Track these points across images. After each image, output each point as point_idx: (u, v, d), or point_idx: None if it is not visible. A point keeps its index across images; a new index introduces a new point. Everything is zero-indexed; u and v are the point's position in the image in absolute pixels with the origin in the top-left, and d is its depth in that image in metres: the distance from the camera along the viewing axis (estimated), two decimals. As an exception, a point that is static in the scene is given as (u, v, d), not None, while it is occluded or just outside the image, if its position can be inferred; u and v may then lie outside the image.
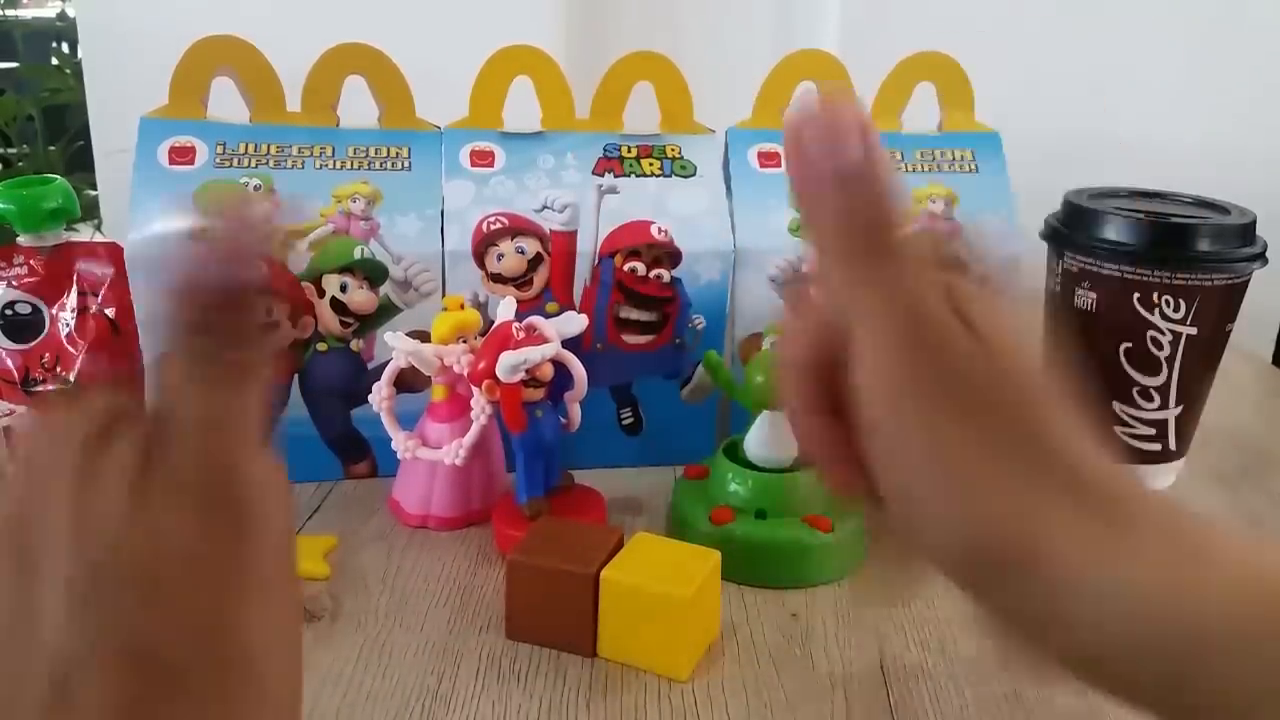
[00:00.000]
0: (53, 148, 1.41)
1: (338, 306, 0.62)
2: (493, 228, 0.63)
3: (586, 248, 0.64)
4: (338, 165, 0.63)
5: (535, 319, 0.57)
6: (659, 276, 0.64)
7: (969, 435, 0.24)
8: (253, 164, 0.62)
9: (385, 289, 0.62)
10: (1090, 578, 0.22)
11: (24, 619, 0.21)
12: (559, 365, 0.56)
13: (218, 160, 0.62)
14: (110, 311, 0.63)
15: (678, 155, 0.68)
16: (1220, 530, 0.23)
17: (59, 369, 0.62)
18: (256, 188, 0.61)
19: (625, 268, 0.64)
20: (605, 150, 0.67)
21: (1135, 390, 0.65)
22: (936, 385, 0.24)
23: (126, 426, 0.24)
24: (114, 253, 0.64)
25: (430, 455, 0.59)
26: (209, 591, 0.22)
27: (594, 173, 0.66)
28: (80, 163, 1.21)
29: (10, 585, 0.22)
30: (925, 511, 0.24)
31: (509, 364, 0.53)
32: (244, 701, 0.22)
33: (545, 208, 0.64)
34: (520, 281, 0.63)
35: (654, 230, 0.64)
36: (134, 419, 0.24)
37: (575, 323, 0.58)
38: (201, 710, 0.21)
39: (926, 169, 0.69)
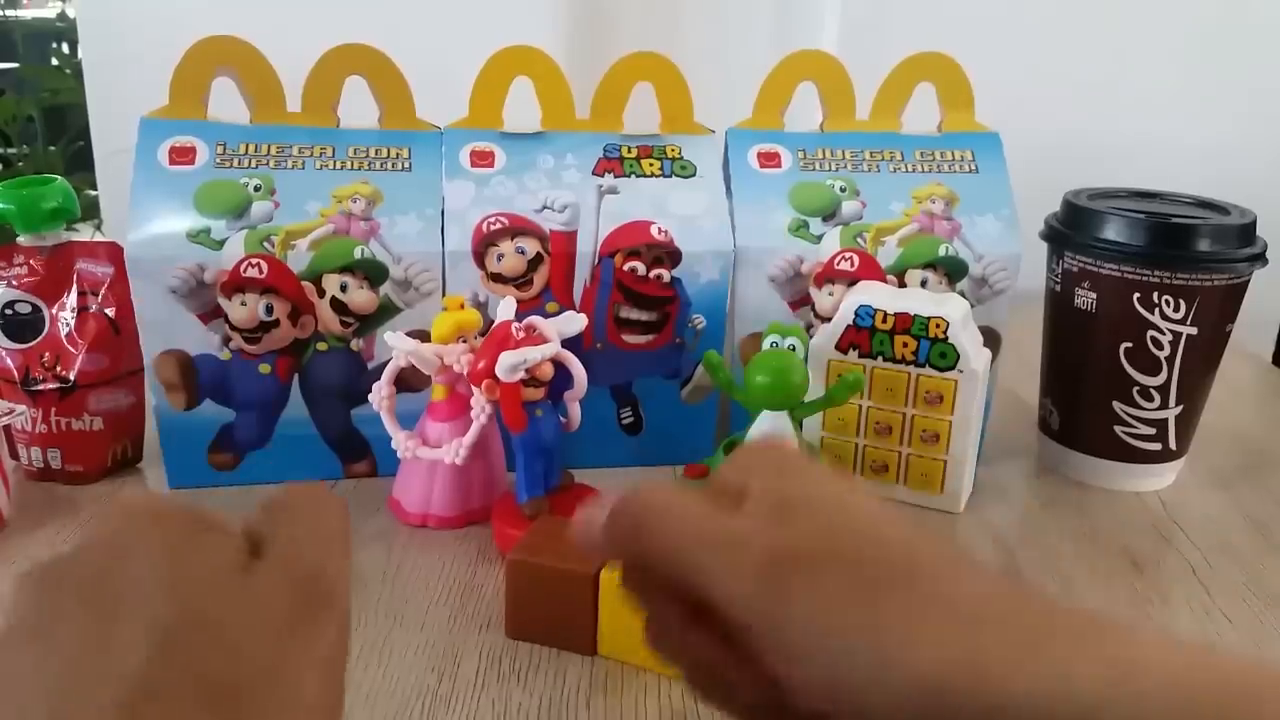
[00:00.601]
0: (53, 148, 1.41)
1: (338, 306, 0.62)
2: (493, 228, 0.63)
3: (586, 248, 0.64)
4: (338, 165, 0.63)
5: (535, 319, 0.57)
6: (659, 276, 0.64)
7: (835, 587, 0.26)
8: (253, 164, 0.62)
9: (385, 289, 0.62)
10: (1024, 690, 0.23)
11: (98, 649, 0.23)
12: (559, 365, 0.56)
13: (218, 160, 0.62)
14: (110, 311, 0.63)
15: (678, 155, 0.68)
16: (1136, 631, 0.25)
17: (59, 369, 0.62)
18: (256, 188, 0.61)
19: (625, 268, 0.64)
20: (605, 150, 0.67)
21: (1135, 390, 0.65)
22: (784, 568, 0.26)
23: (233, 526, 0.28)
24: (114, 253, 0.64)
25: (430, 455, 0.59)
26: (291, 650, 0.24)
27: (594, 173, 0.66)
28: (80, 163, 1.22)
29: (89, 616, 0.24)
30: (860, 678, 0.25)
31: (509, 364, 0.53)
32: None
33: (545, 208, 0.64)
34: (520, 281, 0.63)
35: (654, 230, 0.64)
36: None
37: (575, 323, 0.58)
38: None
39: (926, 169, 0.69)
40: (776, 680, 0.27)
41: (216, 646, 0.23)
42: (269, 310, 0.61)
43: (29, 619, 0.24)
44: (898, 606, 0.25)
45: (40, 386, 0.62)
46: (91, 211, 1.06)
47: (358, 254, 0.61)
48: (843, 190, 0.68)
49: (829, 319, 0.63)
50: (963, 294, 0.66)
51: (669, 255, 0.64)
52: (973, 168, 0.69)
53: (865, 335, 0.62)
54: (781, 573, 0.26)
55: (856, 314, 0.61)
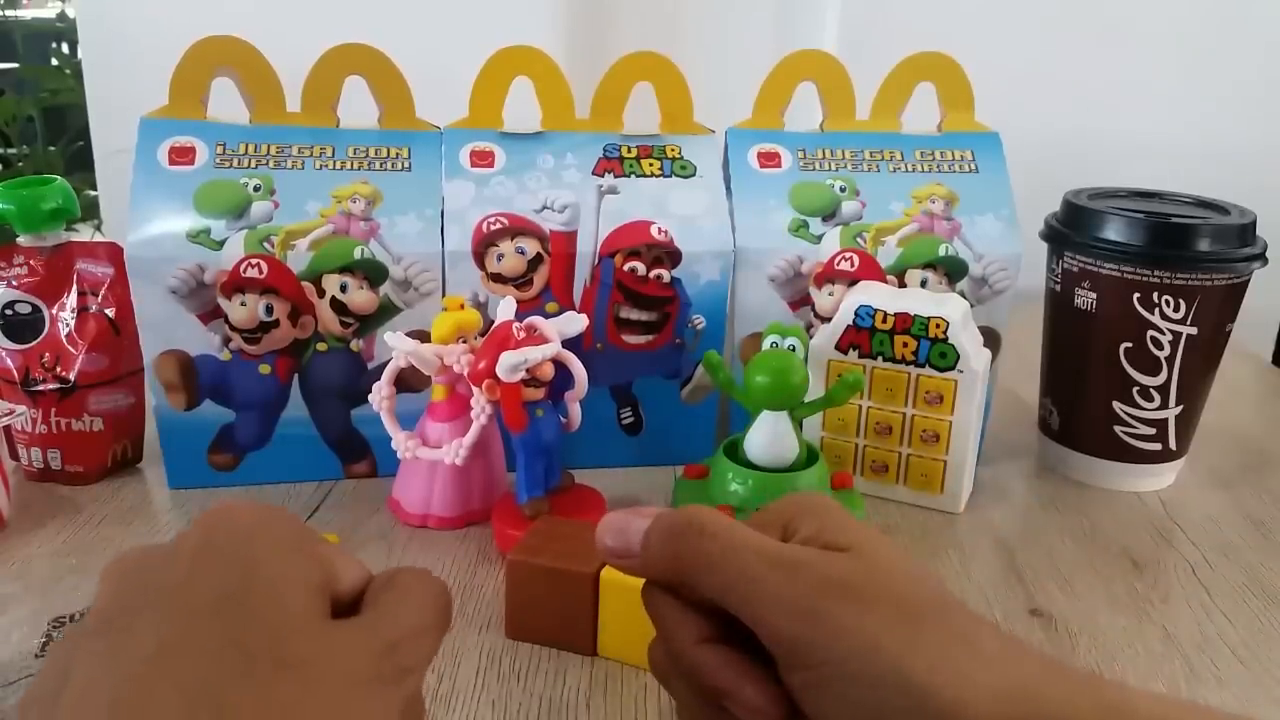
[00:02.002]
0: (53, 148, 1.41)
1: (338, 306, 0.62)
2: (493, 228, 0.63)
3: (586, 248, 0.64)
4: (338, 165, 0.63)
5: (535, 319, 0.57)
6: (659, 276, 0.64)
7: (876, 615, 0.29)
8: (253, 164, 0.62)
9: (385, 289, 0.62)
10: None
11: (165, 660, 0.23)
12: (559, 365, 0.56)
13: (218, 160, 0.62)
14: (110, 311, 0.63)
15: (678, 155, 0.68)
16: (1126, 686, 0.29)
17: (59, 369, 0.62)
18: (256, 188, 0.61)
19: (625, 268, 0.64)
20: (605, 150, 0.67)
21: (1135, 390, 0.65)
22: (830, 594, 0.29)
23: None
24: (114, 253, 0.64)
25: (430, 455, 0.59)
26: (356, 698, 0.25)
27: (594, 173, 0.66)
28: (80, 163, 1.22)
29: (161, 628, 0.24)
30: (888, 702, 0.27)
31: (509, 364, 0.53)
32: None
33: (545, 208, 0.64)
34: (520, 281, 0.63)
35: (654, 230, 0.64)
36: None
37: (575, 323, 0.58)
38: None
39: (926, 169, 0.69)
40: (787, 710, 0.30)
41: (290, 681, 0.23)
42: (269, 310, 0.61)
43: (111, 610, 0.25)
44: (932, 638, 0.28)
45: (40, 387, 0.62)
46: (91, 211, 1.06)
47: (358, 254, 0.61)
48: (843, 190, 0.68)
49: (829, 319, 0.63)
50: (963, 294, 0.66)
51: (669, 255, 0.64)
52: (973, 168, 0.69)
53: (865, 335, 0.62)
54: (832, 596, 0.29)
55: (856, 314, 0.61)
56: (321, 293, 0.61)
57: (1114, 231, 0.63)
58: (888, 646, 0.28)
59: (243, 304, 0.60)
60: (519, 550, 0.49)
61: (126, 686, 0.22)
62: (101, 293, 0.64)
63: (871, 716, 0.27)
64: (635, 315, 0.65)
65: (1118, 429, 0.66)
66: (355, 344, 0.63)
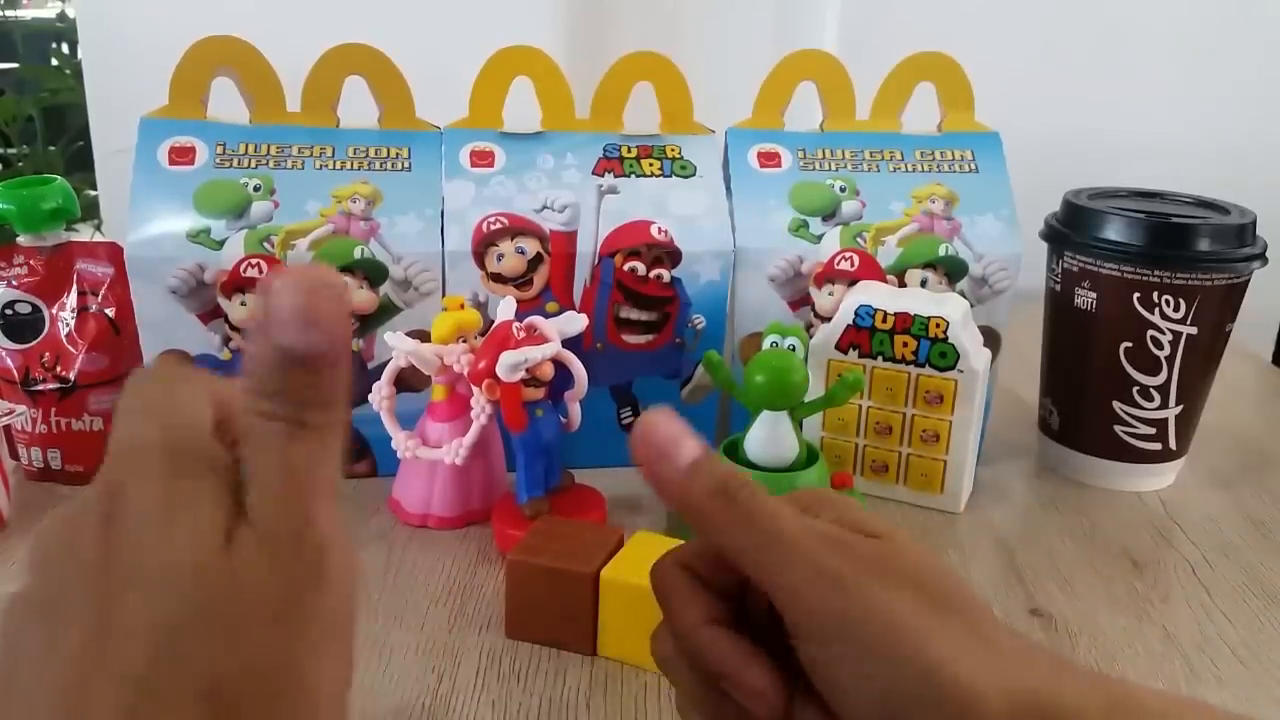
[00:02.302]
0: (53, 148, 1.41)
1: (338, 306, 0.61)
2: (493, 228, 0.63)
3: (586, 248, 0.64)
4: (338, 165, 0.63)
5: (535, 319, 0.57)
6: (659, 276, 0.64)
7: (904, 598, 0.29)
8: (253, 164, 0.62)
9: (385, 289, 0.62)
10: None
11: (95, 648, 0.23)
12: (559, 365, 0.56)
13: (218, 160, 0.62)
14: (110, 311, 0.63)
15: (678, 155, 0.68)
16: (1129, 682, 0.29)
17: (59, 369, 0.62)
18: (256, 188, 0.61)
19: (625, 268, 0.64)
20: (605, 150, 0.67)
21: (1135, 390, 0.65)
22: (863, 570, 0.29)
23: (214, 458, 0.25)
24: (114, 253, 0.64)
25: (430, 455, 0.59)
26: (282, 637, 0.24)
27: (594, 173, 0.66)
28: (80, 163, 1.22)
29: (86, 613, 0.23)
30: (869, 670, 0.28)
31: (509, 363, 0.53)
32: None
33: (545, 208, 0.64)
34: (520, 281, 0.63)
35: (654, 230, 0.64)
36: (218, 451, 0.25)
37: (575, 323, 0.58)
38: None
39: (926, 169, 0.69)
40: (789, 695, 0.30)
41: (211, 642, 0.23)
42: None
43: (41, 593, 0.25)
44: (954, 629, 0.29)
45: (40, 387, 0.62)
46: (91, 211, 1.06)
47: (358, 254, 0.61)
48: (843, 190, 0.68)
49: (829, 319, 0.63)
50: (963, 294, 0.66)
51: (669, 255, 0.64)
52: (973, 167, 0.69)
53: (865, 335, 0.62)
54: (868, 572, 0.29)
55: (856, 314, 0.61)
56: (321, 293, 0.61)
57: (1114, 231, 0.63)
58: (913, 629, 0.28)
59: (243, 304, 0.60)
60: (519, 550, 0.49)
61: (63, 688, 0.22)
62: (101, 293, 0.64)
63: (885, 695, 0.28)
64: (635, 315, 0.65)
65: (1118, 429, 0.66)
66: (355, 344, 0.63)
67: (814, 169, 0.69)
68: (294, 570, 0.24)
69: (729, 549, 0.31)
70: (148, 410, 0.26)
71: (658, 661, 0.34)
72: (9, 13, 1.56)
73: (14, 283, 0.63)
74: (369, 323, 0.62)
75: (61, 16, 1.56)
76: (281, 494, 0.25)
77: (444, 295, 0.62)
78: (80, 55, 1.04)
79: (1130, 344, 0.64)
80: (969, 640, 0.28)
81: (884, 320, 0.61)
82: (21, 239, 0.63)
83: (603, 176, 0.66)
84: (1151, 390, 0.64)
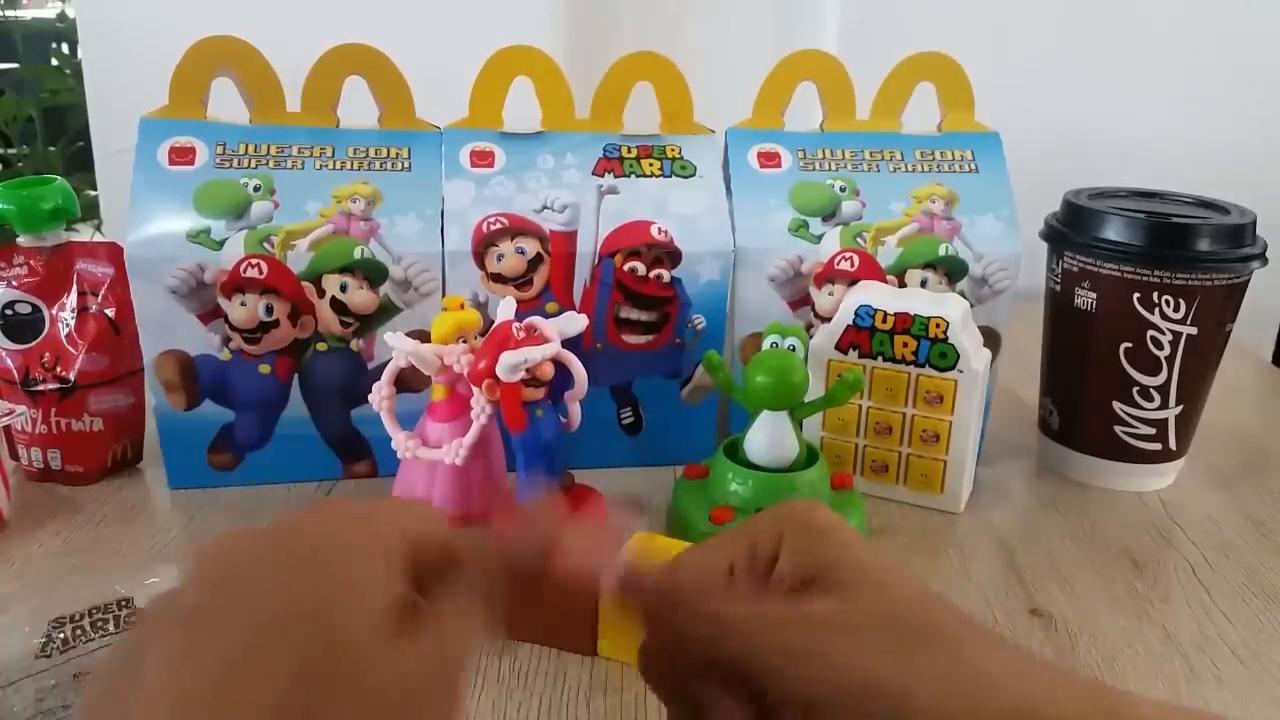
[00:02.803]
0: (53, 148, 1.41)
1: (338, 306, 0.62)
2: (493, 228, 0.63)
3: (586, 248, 0.64)
4: (338, 165, 0.63)
5: (535, 319, 0.57)
6: (659, 276, 0.64)
7: (873, 650, 0.28)
8: (253, 164, 0.62)
9: (385, 289, 0.62)
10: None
11: (242, 679, 0.23)
12: (559, 365, 0.56)
13: (218, 160, 0.62)
14: (110, 311, 0.63)
15: (678, 155, 0.68)
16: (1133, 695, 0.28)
17: (59, 369, 0.62)
18: (256, 188, 0.61)
19: (625, 268, 0.64)
20: (605, 150, 0.67)
21: (1135, 390, 0.65)
22: (825, 634, 0.29)
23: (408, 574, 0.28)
24: (114, 253, 0.64)
25: (430, 455, 0.59)
26: None
27: (594, 173, 0.66)
28: (80, 163, 1.22)
29: (238, 640, 0.24)
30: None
31: (509, 363, 0.53)
32: None
33: (545, 208, 0.64)
34: (520, 281, 0.63)
35: (654, 230, 0.64)
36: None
37: (575, 323, 0.57)
38: None
39: (926, 169, 0.69)
40: None
41: (348, 698, 0.24)
42: (269, 310, 0.61)
43: (193, 599, 0.25)
44: (934, 666, 0.28)
45: (40, 387, 0.62)
46: (91, 211, 1.06)
47: (358, 254, 0.61)
48: (843, 190, 0.68)
49: (829, 319, 0.63)
50: (963, 294, 0.66)
51: (669, 255, 0.64)
52: (973, 168, 0.69)
53: (865, 335, 0.62)
54: (821, 639, 0.29)
55: (856, 314, 0.61)
56: (321, 293, 0.61)
57: (1114, 231, 0.63)
58: (887, 681, 0.27)
59: (243, 304, 0.60)
60: (519, 550, 0.49)
61: (195, 699, 0.23)
62: (101, 293, 0.64)
63: None
64: (635, 315, 0.65)
65: (1118, 429, 0.66)
66: (355, 344, 0.63)
67: (814, 169, 0.69)
68: (441, 676, 0.26)
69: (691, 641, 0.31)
70: (389, 514, 0.29)
71: (650, 681, 0.34)
72: (9, 13, 1.56)
73: (14, 283, 0.63)
74: (369, 323, 0.62)
75: (61, 16, 1.56)
76: (455, 622, 0.28)
77: (444, 295, 0.62)
78: (80, 55, 1.04)
79: (1130, 344, 0.64)
80: (955, 673, 0.28)
81: (884, 320, 0.61)
82: (21, 239, 0.63)
83: (603, 176, 0.66)
84: (1151, 390, 0.64)
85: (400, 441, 0.59)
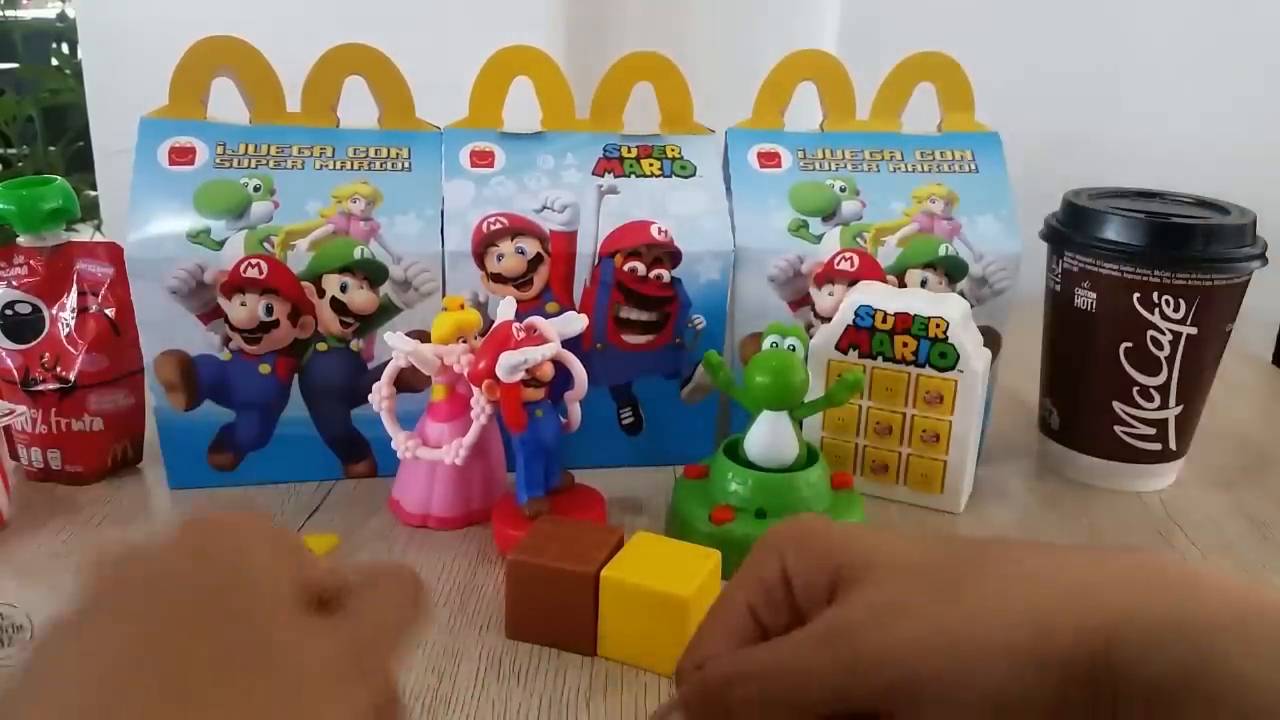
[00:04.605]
0: (53, 148, 1.41)
1: (338, 306, 0.62)
2: (493, 228, 0.63)
3: (586, 248, 0.64)
4: (338, 165, 0.63)
5: (535, 319, 0.57)
6: (659, 276, 0.64)
7: (926, 614, 0.28)
8: (253, 164, 0.62)
9: (385, 289, 0.62)
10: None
11: (146, 655, 0.23)
12: (559, 365, 0.56)
13: (218, 160, 0.62)
14: (110, 311, 0.63)
15: (678, 155, 0.68)
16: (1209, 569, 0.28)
17: (59, 369, 0.62)
18: (256, 188, 0.61)
19: (625, 268, 0.64)
20: (605, 150, 0.67)
21: (1135, 390, 0.65)
22: (870, 629, 0.29)
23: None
24: (114, 253, 0.64)
25: (430, 455, 0.59)
26: (325, 696, 0.24)
27: (594, 173, 0.66)
28: (80, 163, 1.22)
29: (144, 620, 0.24)
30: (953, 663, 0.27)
31: (509, 364, 0.53)
32: None
33: (545, 208, 0.64)
34: (520, 282, 0.63)
35: (654, 230, 0.64)
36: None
37: (575, 323, 0.58)
38: None
39: (926, 169, 0.69)
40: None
41: (265, 679, 0.23)
42: (269, 310, 0.61)
43: (88, 607, 0.25)
44: (981, 593, 0.28)
45: (40, 387, 0.62)
46: (91, 211, 1.06)
47: (358, 254, 0.61)
48: (843, 190, 0.68)
49: (829, 319, 0.63)
50: (962, 294, 0.66)
51: (669, 255, 0.64)
52: (972, 168, 0.69)
53: (865, 335, 0.62)
54: (861, 643, 0.28)
55: (856, 314, 0.61)
56: (321, 293, 0.61)
57: (1114, 231, 0.63)
58: (962, 628, 0.27)
59: (243, 304, 0.60)
60: (519, 550, 0.49)
61: (96, 689, 0.22)
62: (101, 293, 0.64)
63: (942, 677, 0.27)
64: (635, 315, 0.65)
65: (1118, 429, 0.66)
66: (355, 344, 0.63)
67: (814, 169, 0.69)
68: (360, 661, 0.26)
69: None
70: (257, 532, 0.28)
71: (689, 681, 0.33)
72: (9, 13, 1.56)
73: (14, 283, 0.63)
74: (369, 323, 0.62)
75: (61, 16, 1.56)
76: (374, 614, 0.28)
77: (444, 295, 0.62)
78: (80, 55, 1.04)
79: (1130, 344, 0.64)
80: (1015, 577, 0.28)
81: (884, 320, 0.61)
82: (21, 239, 0.63)
83: (603, 176, 0.66)
84: (1151, 390, 0.64)
85: (400, 441, 0.59)
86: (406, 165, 0.64)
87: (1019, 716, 0.27)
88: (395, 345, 0.58)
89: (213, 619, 0.24)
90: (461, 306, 0.59)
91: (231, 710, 0.22)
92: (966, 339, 0.60)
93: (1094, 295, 0.64)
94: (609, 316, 0.65)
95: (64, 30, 1.54)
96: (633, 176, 0.66)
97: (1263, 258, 0.63)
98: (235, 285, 0.60)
